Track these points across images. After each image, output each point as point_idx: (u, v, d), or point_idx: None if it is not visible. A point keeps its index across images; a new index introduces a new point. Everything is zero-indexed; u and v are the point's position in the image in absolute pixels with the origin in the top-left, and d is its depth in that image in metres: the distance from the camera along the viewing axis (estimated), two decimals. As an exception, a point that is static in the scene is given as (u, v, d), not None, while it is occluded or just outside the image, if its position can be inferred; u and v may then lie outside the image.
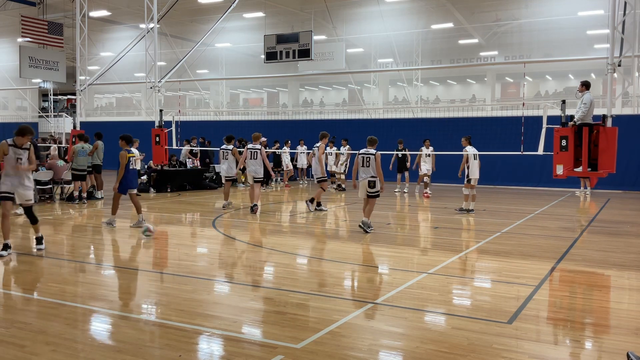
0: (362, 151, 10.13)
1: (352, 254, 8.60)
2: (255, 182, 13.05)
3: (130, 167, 10.82)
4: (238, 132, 22.36)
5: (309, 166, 23.26)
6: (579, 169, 11.38)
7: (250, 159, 12.99)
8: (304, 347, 4.48)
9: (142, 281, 6.77)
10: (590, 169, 11.28)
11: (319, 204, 13.08)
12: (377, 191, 10.00)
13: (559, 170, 11.49)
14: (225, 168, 14.10)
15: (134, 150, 11.69)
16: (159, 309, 5.54)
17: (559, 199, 16.88)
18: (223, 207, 13.81)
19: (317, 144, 13.27)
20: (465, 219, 12.30)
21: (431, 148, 16.79)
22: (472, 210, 12.98)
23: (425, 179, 16.60)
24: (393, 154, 17.93)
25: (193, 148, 20.09)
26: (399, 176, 18.35)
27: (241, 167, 14.86)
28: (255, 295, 6.11)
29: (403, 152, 17.93)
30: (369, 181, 9.92)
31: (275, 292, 6.26)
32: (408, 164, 18.16)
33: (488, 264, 8.06)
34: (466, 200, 12.91)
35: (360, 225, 10.08)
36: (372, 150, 10.04)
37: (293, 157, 22.62)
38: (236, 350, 4.43)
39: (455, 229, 10.87)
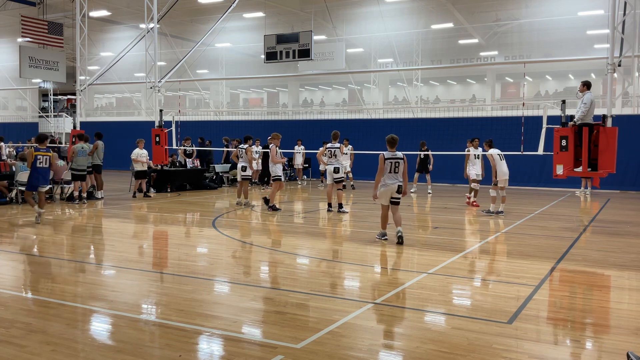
0: (387, 155, 9.02)
1: (352, 253, 8.60)
2: (274, 180, 13.53)
3: (38, 166, 11.09)
4: (237, 132, 22.40)
5: (307, 166, 23.29)
6: (579, 169, 11.38)
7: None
8: (304, 347, 4.48)
9: (142, 281, 6.77)
10: (590, 169, 11.28)
11: (340, 205, 13.11)
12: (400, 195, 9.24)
13: (559, 170, 11.49)
14: (242, 166, 14.45)
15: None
16: (159, 309, 5.54)
17: (559, 199, 16.88)
18: (244, 204, 14.36)
19: (337, 145, 13.21)
20: (465, 220, 12.30)
21: (480, 149, 14.60)
22: (502, 212, 12.64)
23: (474, 185, 14.57)
24: (416, 154, 17.72)
25: (187, 148, 20.10)
26: (416, 175, 18.25)
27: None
28: (255, 295, 6.11)
29: (426, 153, 17.80)
30: (398, 186, 9.07)
31: (275, 292, 6.26)
32: (430, 166, 17.96)
33: (488, 264, 8.06)
34: (493, 202, 12.65)
35: (399, 240, 8.94)
36: (400, 154, 9.11)
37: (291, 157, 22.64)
38: (236, 350, 4.43)
39: (455, 229, 10.87)
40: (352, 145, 19.49)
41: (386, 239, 9.24)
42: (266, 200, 13.50)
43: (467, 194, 14.96)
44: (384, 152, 9.10)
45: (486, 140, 13.18)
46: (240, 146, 14.67)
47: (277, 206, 13.51)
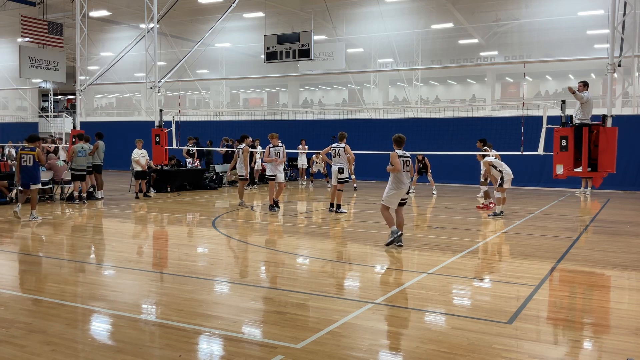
0: (399, 153, 8.79)
1: (352, 253, 8.60)
2: (267, 180, 13.65)
3: (22, 164, 11.48)
4: (237, 132, 22.37)
5: (308, 166, 23.26)
6: (579, 169, 11.38)
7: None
8: (304, 347, 4.48)
9: (142, 281, 6.77)
10: (590, 169, 11.28)
11: (339, 206, 13.11)
12: None
13: (559, 170, 11.49)
14: (237, 167, 14.40)
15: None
16: (159, 309, 5.54)
17: (559, 199, 16.88)
18: (238, 204, 14.42)
19: (342, 145, 13.14)
20: (465, 220, 12.30)
21: (493, 152, 13.95)
22: (502, 212, 12.51)
23: (485, 187, 14.11)
24: (415, 155, 17.74)
25: (190, 148, 20.09)
26: (415, 177, 18.23)
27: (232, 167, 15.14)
28: (255, 295, 6.11)
29: (424, 162, 17.80)
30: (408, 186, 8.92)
31: (275, 292, 6.26)
32: (429, 171, 17.76)
33: (488, 264, 8.06)
34: (499, 204, 12.51)
35: (399, 244, 8.72)
36: (407, 153, 8.94)
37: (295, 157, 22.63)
38: (236, 350, 4.43)
39: (455, 229, 10.87)
40: (349, 144, 19.45)
41: (400, 235, 8.73)
42: (272, 207, 13.47)
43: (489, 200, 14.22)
44: (396, 151, 8.81)
45: (481, 141, 13.21)
46: (239, 147, 14.68)
47: (275, 206, 13.51)
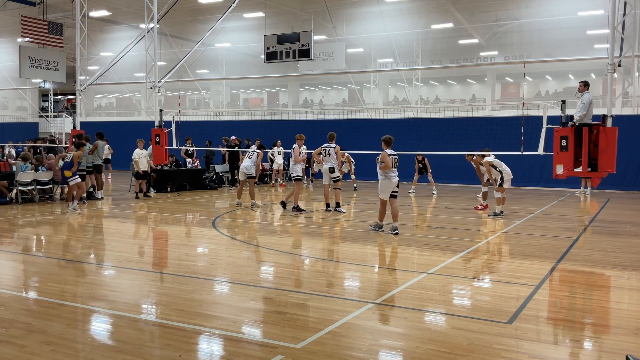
0: (389, 152, 10.01)
1: (352, 253, 8.60)
2: (295, 180, 13.76)
3: (65, 161, 13.26)
4: (237, 132, 22.39)
5: (308, 166, 23.25)
6: (579, 169, 11.38)
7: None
8: (304, 347, 4.48)
9: (142, 281, 6.77)
10: (590, 169, 11.27)
11: (337, 204, 13.22)
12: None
13: (559, 170, 11.49)
14: (246, 166, 14.37)
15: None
16: (159, 309, 5.54)
17: (559, 199, 16.88)
18: (237, 204, 14.47)
19: (332, 145, 13.27)
20: (465, 220, 12.30)
21: (491, 157, 13.07)
22: (502, 212, 12.55)
23: (486, 188, 14.36)
24: (415, 155, 17.77)
25: (188, 148, 20.08)
26: (416, 177, 18.27)
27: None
28: (255, 295, 6.11)
29: (424, 163, 17.84)
30: (397, 180, 10.10)
31: (275, 292, 6.26)
32: (429, 171, 17.75)
33: (488, 264, 8.06)
34: (500, 204, 12.51)
35: (396, 232, 9.99)
36: (395, 152, 10.18)
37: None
38: (236, 350, 4.43)
39: (455, 229, 10.87)
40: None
41: (383, 231, 10.19)
42: (284, 204, 13.58)
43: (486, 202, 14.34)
44: (386, 150, 10.04)
45: (478, 154, 13.52)
46: (254, 148, 14.79)
47: (301, 207, 13.46)
